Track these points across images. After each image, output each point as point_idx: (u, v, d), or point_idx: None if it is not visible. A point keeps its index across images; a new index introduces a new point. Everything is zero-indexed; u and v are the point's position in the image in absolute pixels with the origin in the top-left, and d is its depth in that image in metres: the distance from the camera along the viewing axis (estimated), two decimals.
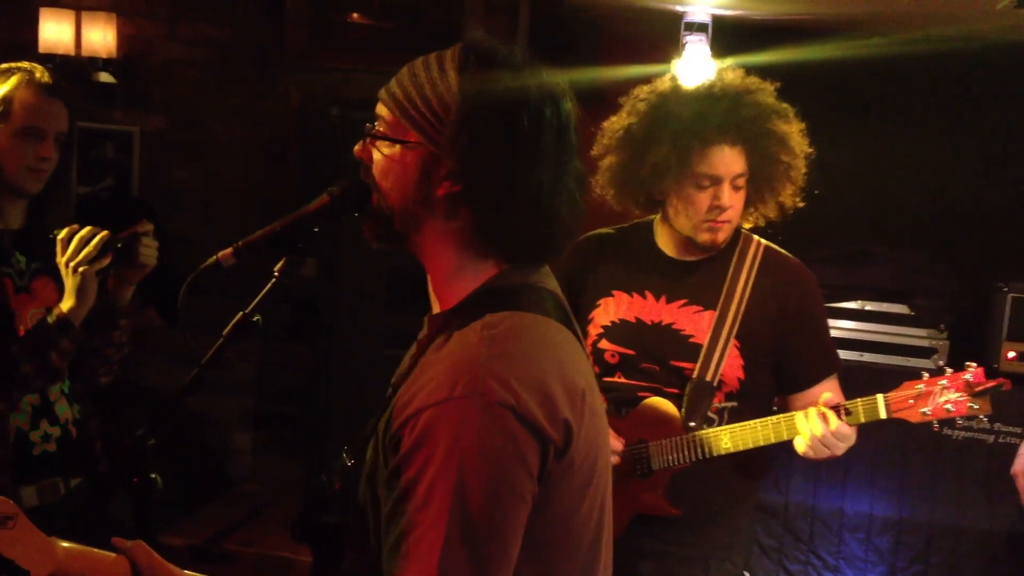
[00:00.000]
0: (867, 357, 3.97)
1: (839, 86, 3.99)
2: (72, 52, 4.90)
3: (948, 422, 3.81)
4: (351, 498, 1.54)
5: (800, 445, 2.31)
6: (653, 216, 2.59)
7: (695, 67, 3.64)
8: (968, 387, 2.24)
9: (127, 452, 1.56)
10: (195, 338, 1.66)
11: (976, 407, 2.23)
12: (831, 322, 4.01)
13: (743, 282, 2.45)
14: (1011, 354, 3.86)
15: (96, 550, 1.54)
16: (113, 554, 1.50)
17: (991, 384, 2.23)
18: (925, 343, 3.99)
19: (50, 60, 4.79)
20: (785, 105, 2.46)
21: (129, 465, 1.58)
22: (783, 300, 2.46)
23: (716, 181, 2.36)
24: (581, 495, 1.42)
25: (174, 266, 5.13)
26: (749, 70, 2.50)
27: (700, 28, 3.70)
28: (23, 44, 4.87)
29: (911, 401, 2.27)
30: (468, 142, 1.39)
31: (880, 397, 2.28)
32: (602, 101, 2.83)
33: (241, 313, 1.62)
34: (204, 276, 1.64)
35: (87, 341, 2.45)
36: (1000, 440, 3.76)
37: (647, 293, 2.50)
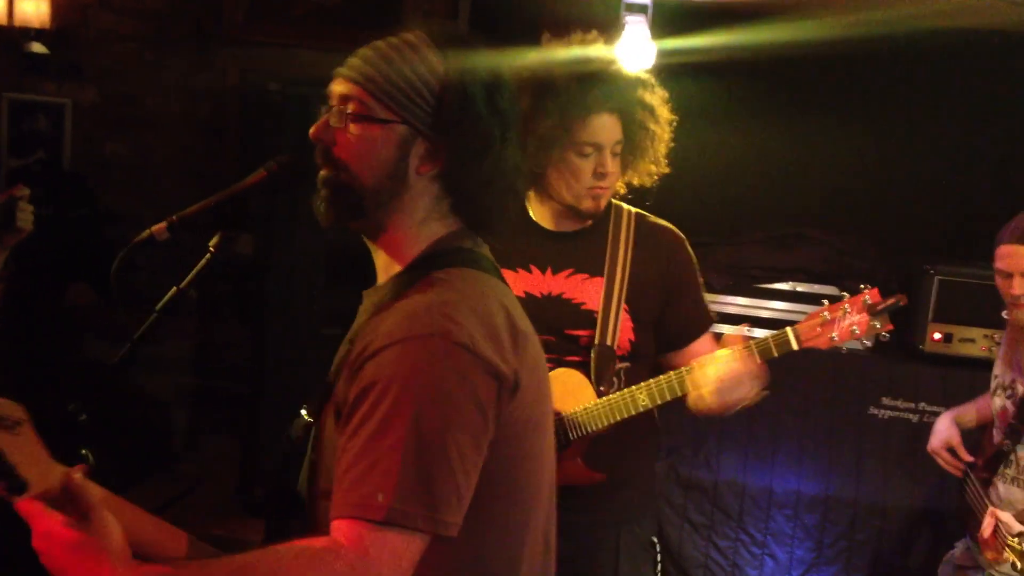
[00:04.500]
0: None
1: (774, 69, 4.04)
2: (4, 21, 4.77)
3: (873, 400, 3.93)
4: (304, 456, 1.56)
5: (706, 392, 2.33)
6: None
7: (635, 48, 3.66)
8: (868, 307, 2.35)
9: (58, 427, 1.55)
10: (129, 314, 1.65)
11: (878, 325, 2.35)
12: (763, 302, 4.10)
13: (623, 248, 2.52)
14: (937, 335, 3.96)
15: (91, 483, 1.52)
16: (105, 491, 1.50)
17: (889, 301, 2.35)
18: None
19: None
20: (648, 75, 2.55)
21: (60, 441, 1.57)
22: (663, 264, 2.54)
23: (599, 148, 2.43)
24: (533, 448, 1.48)
25: (107, 240, 5.06)
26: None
27: (640, 9, 3.71)
28: None
29: (819, 329, 2.37)
30: (456, 119, 1.44)
31: (789, 330, 2.37)
32: None
33: (175, 288, 1.62)
34: (138, 250, 1.63)
35: None
36: (924, 420, 3.85)
37: (532, 267, 2.53)
